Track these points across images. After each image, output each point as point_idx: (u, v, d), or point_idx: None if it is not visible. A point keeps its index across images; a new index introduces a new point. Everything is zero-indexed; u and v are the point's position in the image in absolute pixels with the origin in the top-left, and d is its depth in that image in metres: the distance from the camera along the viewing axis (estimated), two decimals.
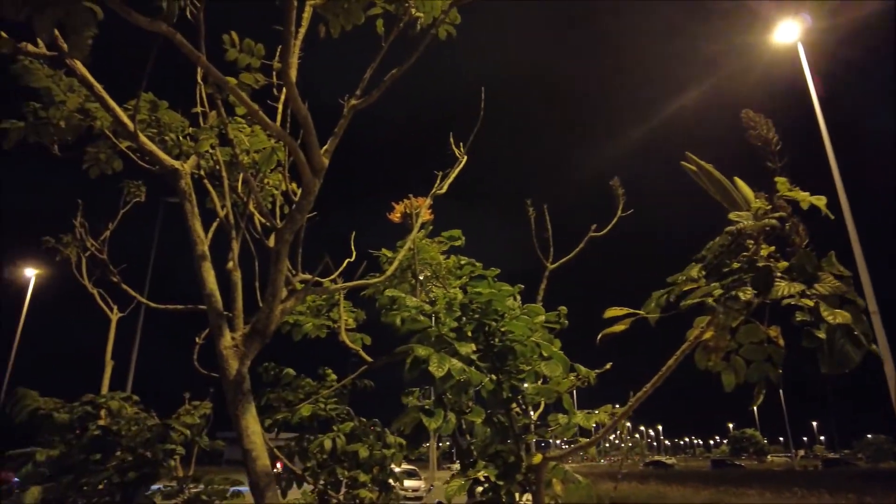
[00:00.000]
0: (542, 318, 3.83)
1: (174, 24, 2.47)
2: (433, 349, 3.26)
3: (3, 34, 3.04)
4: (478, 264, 4.56)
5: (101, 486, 4.41)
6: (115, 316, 7.13)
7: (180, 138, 4.84)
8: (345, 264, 4.64)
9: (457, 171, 4.82)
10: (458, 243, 5.24)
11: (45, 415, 4.61)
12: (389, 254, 5.11)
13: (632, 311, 2.93)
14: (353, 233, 5.01)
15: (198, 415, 5.01)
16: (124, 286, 4.97)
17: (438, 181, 4.73)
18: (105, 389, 6.58)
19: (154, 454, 4.60)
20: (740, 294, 2.34)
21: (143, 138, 3.45)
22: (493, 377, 3.66)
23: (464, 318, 4.04)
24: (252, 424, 3.19)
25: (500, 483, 3.52)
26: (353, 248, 4.97)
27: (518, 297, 3.98)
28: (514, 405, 3.86)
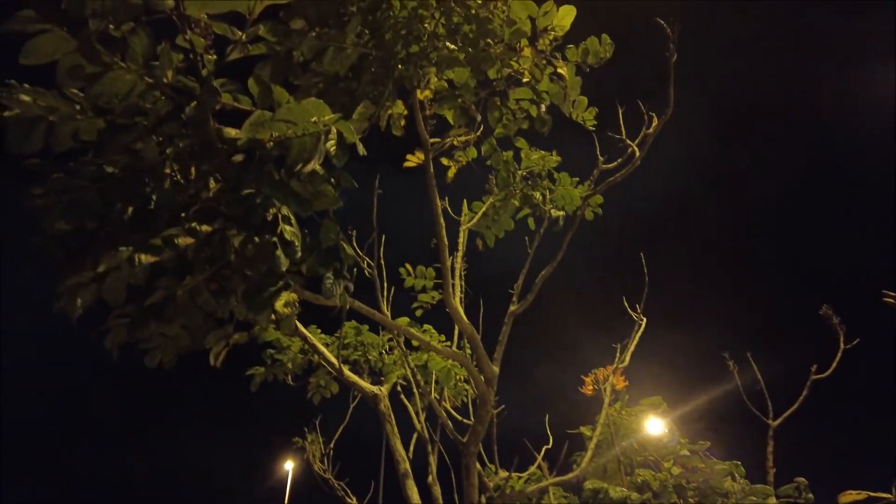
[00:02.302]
0: (773, 500, 3.34)
1: (353, 293, 3.01)
2: None
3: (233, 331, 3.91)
4: (682, 440, 4.21)
5: None
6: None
7: (382, 353, 5.53)
8: (542, 452, 4.60)
9: (637, 337, 4.71)
10: (660, 410, 4.92)
11: None
12: (588, 432, 4.97)
13: (871, 494, 2.48)
14: (547, 416, 5.01)
15: None
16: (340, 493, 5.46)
17: (619, 353, 4.65)
18: None
19: None
20: None
21: (346, 373, 4.02)
22: None
23: (679, 500, 3.69)
24: None
25: None
26: (548, 431, 4.93)
27: (738, 477, 3.55)
28: None
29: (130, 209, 2.13)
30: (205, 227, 1.89)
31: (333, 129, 1.76)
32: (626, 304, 4.92)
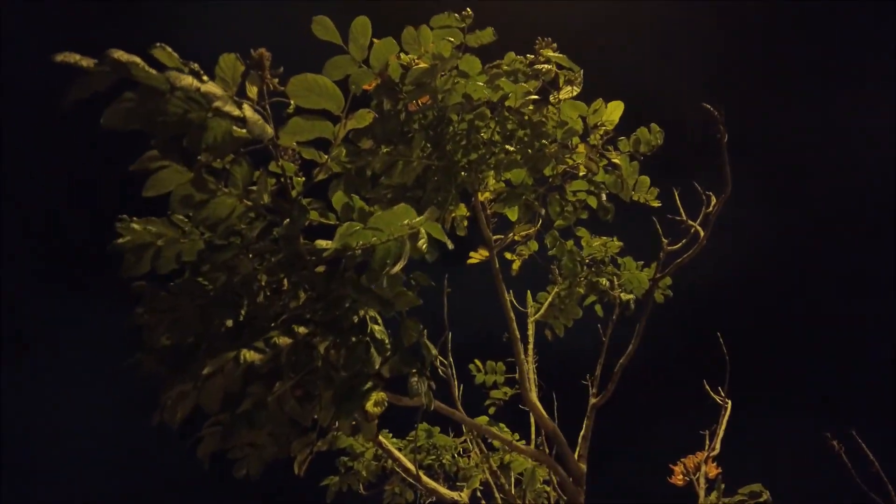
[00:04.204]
0: None
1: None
2: None
3: (316, 438, 3.95)
4: None
5: None
6: None
7: (455, 456, 5.39)
8: None
9: (724, 421, 4.45)
10: (762, 499, 4.53)
11: None
12: None
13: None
14: None
15: None
16: None
17: (708, 439, 4.39)
18: None
19: None
20: None
21: (424, 479, 3.93)
22: None
23: None
24: None
25: None
26: None
27: None
28: None
29: (228, 322, 2.28)
30: (301, 329, 1.99)
31: (422, 230, 1.88)
32: (707, 387, 4.71)
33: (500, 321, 3.94)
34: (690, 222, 3.92)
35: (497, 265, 3.56)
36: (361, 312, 2.17)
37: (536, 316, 4.21)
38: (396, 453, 4.11)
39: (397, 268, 2.18)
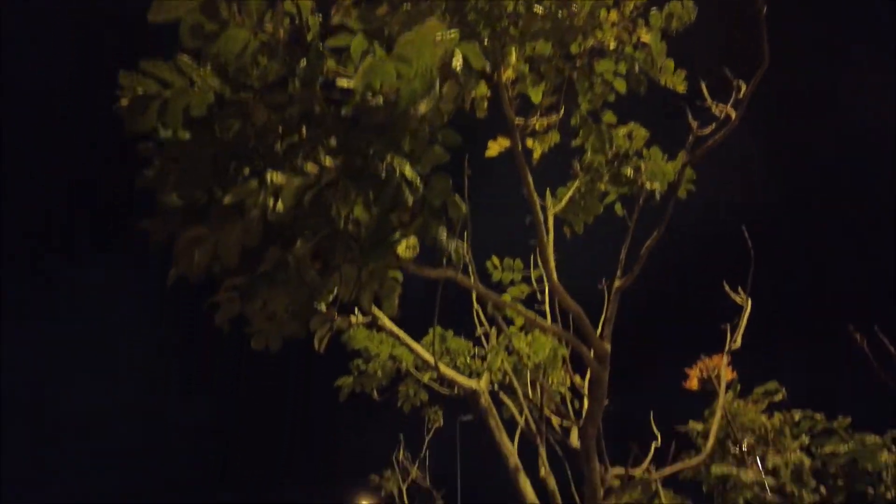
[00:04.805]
0: None
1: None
2: None
3: (336, 314, 3.89)
4: (818, 416, 3.84)
5: None
6: None
7: (468, 360, 5.39)
8: (652, 450, 4.30)
9: (745, 318, 4.39)
10: (777, 397, 4.55)
11: None
12: (699, 426, 4.63)
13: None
14: (651, 413, 4.71)
15: None
16: None
17: (729, 336, 4.34)
18: None
19: None
20: None
21: (443, 368, 3.91)
22: None
23: (822, 487, 3.33)
24: None
25: None
26: (654, 429, 4.63)
27: (894, 449, 3.18)
28: None
29: (246, 169, 2.13)
30: (327, 161, 1.84)
31: (457, 51, 1.70)
32: (727, 287, 4.63)
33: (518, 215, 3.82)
34: (722, 105, 3.72)
35: (520, 147, 3.39)
36: (388, 159, 2.01)
37: (556, 209, 4.07)
38: (415, 345, 4.08)
39: (424, 107, 2.02)
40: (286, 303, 2.56)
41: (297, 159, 1.86)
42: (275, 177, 1.74)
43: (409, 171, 1.89)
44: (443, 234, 2.15)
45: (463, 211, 2.26)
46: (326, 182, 1.96)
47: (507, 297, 3.85)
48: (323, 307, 2.79)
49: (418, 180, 1.91)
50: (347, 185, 2.11)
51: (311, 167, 1.82)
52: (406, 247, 1.97)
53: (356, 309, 4.33)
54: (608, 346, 3.18)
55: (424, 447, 7.51)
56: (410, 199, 1.86)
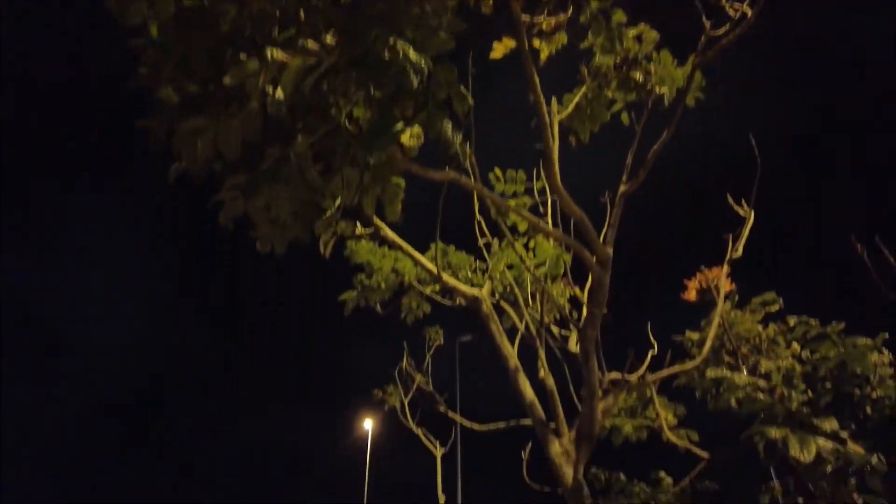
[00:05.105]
0: None
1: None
2: (787, 429, 2.80)
3: (353, 224, 3.87)
4: (812, 321, 3.91)
5: None
6: (438, 452, 7.86)
7: (469, 274, 5.43)
8: (649, 357, 4.41)
9: (748, 229, 4.39)
10: (774, 308, 4.62)
11: None
12: (696, 336, 4.73)
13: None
14: (649, 323, 4.80)
15: None
16: (450, 414, 5.46)
17: (730, 245, 4.35)
18: None
19: None
20: None
21: (445, 277, 3.94)
22: (880, 457, 2.95)
23: (809, 391, 3.44)
24: None
25: None
26: (651, 338, 4.73)
27: (885, 351, 3.26)
28: None
29: (243, 55, 2.05)
30: (328, 39, 1.77)
31: None
32: (729, 198, 4.59)
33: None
34: (738, 3, 3.54)
35: (527, 46, 3.25)
36: (391, 41, 1.92)
37: (562, 116, 3.97)
38: (417, 255, 4.09)
39: None
40: (289, 203, 2.53)
41: (296, 43, 1.77)
42: (275, 53, 1.66)
43: (413, 53, 1.81)
44: (448, 127, 2.09)
45: (469, 104, 2.19)
46: (327, 68, 1.88)
47: (512, 202, 3.81)
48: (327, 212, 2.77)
49: (423, 62, 1.83)
50: (348, 73, 2.03)
51: (311, 44, 1.74)
52: (410, 136, 1.92)
53: (358, 222, 4.33)
54: (610, 251, 3.19)
55: (426, 361, 7.74)
56: (415, 82, 1.78)
